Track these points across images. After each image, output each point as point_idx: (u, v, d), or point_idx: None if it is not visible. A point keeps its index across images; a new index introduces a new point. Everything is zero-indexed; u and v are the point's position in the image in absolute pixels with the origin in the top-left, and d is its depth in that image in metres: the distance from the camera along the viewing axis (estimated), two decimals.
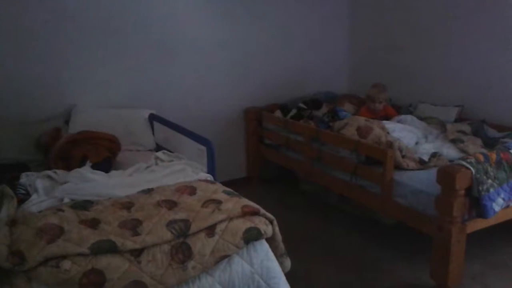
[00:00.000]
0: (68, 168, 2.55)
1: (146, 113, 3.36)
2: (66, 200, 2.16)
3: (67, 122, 3.16)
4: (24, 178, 2.38)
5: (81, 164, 2.58)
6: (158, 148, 3.21)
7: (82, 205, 2.07)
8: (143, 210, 2.03)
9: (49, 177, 2.43)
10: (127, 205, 2.08)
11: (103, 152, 2.71)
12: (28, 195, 2.23)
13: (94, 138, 2.80)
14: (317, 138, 3.29)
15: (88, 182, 2.33)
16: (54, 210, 1.99)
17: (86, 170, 2.46)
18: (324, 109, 3.88)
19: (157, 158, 2.83)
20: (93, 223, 1.90)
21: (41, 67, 3.11)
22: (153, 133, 3.34)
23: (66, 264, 1.65)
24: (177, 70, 3.68)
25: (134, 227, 1.88)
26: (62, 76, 3.20)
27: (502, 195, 2.41)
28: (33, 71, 3.09)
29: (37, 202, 2.14)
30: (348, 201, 3.37)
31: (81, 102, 3.27)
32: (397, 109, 3.77)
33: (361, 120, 3.12)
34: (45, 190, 2.27)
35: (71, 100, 3.25)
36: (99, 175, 2.43)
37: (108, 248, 1.74)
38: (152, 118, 3.35)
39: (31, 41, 3.05)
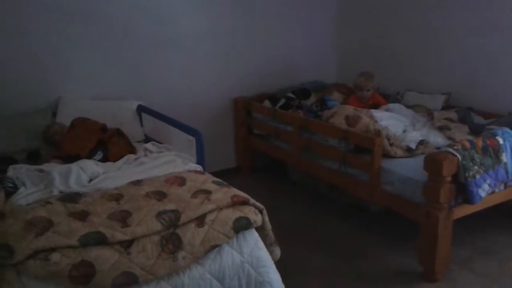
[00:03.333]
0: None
1: (134, 105, 3.34)
2: (56, 192, 2.16)
3: (54, 114, 3.13)
4: (11, 171, 2.37)
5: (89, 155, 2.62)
6: (147, 139, 3.20)
7: (70, 198, 2.06)
8: (132, 202, 2.02)
9: (39, 170, 2.41)
10: (116, 196, 2.08)
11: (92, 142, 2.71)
12: (16, 188, 2.21)
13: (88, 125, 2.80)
14: (306, 128, 3.30)
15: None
16: (42, 203, 1.99)
17: (90, 162, 2.47)
18: (313, 98, 3.89)
19: (146, 149, 2.83)
20: (82, 215, 1.90)
21: (27, 59, 3.07)
22: (141, 125, 3.32)
23: (56, 257, 1.65)
24: (165, 61, 3.65)
25: (123, 218, 1.88)
26: (49, 68, 3.16)
27: (488, 181, 2.45)
28: (19, 64, 3.05)
29: (25, 195, 2.13)
30: (337, 190, 3.40)
31: (68, 94, 3.24)
32: (385, 98, 3.78)
33: (350, 109, 3.13)
34: (33, 183, 2.26)
35: (58, 92, 3.22)
36: (101, 167, 2.45)
37: (97, 240, 1.74)
38: (141, 109, 3.33)
39: (16, 34, 3.00)
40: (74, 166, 2.37)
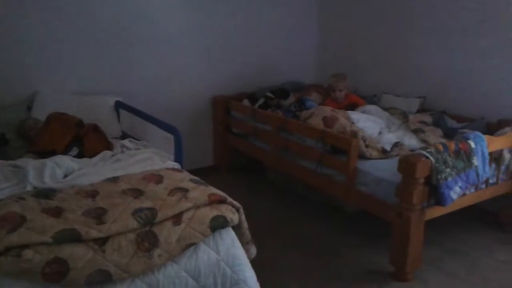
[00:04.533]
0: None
1: (112, 100, 3.30)
2: (29, 188, 2.12)
3: (29, 108, 3.07)
4: None
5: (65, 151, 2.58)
6: (124, 136, 3.17)
7: (44, 194, 2.03)
8: (108, 199, 2.01)
9: (13, 165, 2.37)
10: (92, 193, 2.06)
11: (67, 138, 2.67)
12: None
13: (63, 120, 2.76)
14: (284, 128, 3.32)
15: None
16: (15, 199, 1.95)
17: (66, 157, 2.44)
18: (292, 98, 3.92)
19: (123, 146, 2.81)
20: (57, 212, 1.87)
21: (2, 52, 3.00)
22: (119, 121, 3.29)
23: (28, 254, 1.63)
24: (145, 58, 3.62)
25: (98, 215, 1.86)
26: (24, 61, 3.10)
27: (460, 184, 2.51)
28: None
29: None
30: (313, 190, 3.44)
31: (44, 88, 3.18)
32: (362, 99, 3.85)
33: (327, 110, 3.17)
34: (6, 178, 2.21)
35: (34, 87, 3.16)
36: (77, 163, 2.42)
37: (71, 237, 1.72)
38: (118, 105, 3.29)
39: None
40: (49, 162, 2.33)
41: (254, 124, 3.69)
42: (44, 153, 2.53)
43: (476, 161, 2.59)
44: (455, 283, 2.55)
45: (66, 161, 2.40)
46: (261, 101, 3.88)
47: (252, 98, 3.97)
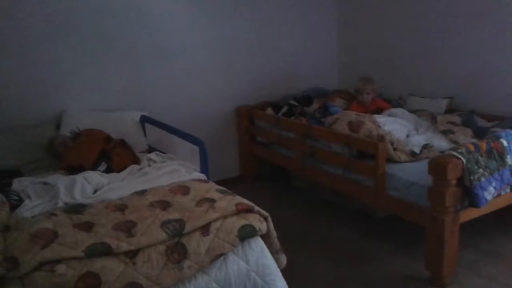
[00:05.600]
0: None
1: (137, 115, 3.35)
2: (60, 204, 2.16)
3: (58, 127, 3.14)
4: (16, 184, 2.37)
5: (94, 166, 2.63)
6: (151, 149, 3.21)
7: (75, 209, 2.07)
8: (136, 212, 2.02)
9: (44, 182, 2.42)
10: (121, 207, 2.08)
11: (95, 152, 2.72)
12: (21, 200, 2.22)
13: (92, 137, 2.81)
14: (309, 134, 3.30)
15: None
16: (47, 215, 1.99)
17: (95, 173, 2.49)
18: (315, 105, 3.90)
19: (149, 159, 2.83)
20: (87, 226, 1.90)
21: (30, 71, 3.09)
22: (144, 135, 3.33)
23: (61, 268, 1.65)
24: (167, 71, 3.67)
25: (128, 228, 1.88)
26: (52, 80, 3.18)
27: (494, 184, 2.43)
28: (22, 76, 3.06)
29: (30, 208, 2.13)
30: (341, 196, 3.39)
31: (71, 106, 3.25)
32: (387, 102, 3.79)
33: (352, 115, 3.14)
34: (38, 195, 2.26)
35: (61, 105, 3.23)
36: (106, 178, 2.46)
37: (102, 250, 1.74)
38: (144, 119, 3.34)
39: (19, 46, 3.03)
40: (79, 178, 2.37)
41: (278, 132, 3.68)
42: (73, 169, 2.58)
43: (510, 160, 2.51)
44: (494, 287, 2.46)
45: (95, 177, 2.44)
46: (284, 109, 3.87)
47: (276, 106, 3.96)
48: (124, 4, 3.38)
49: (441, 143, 2.97)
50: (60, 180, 2.36)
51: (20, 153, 2.87)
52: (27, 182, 2.40)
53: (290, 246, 2.46)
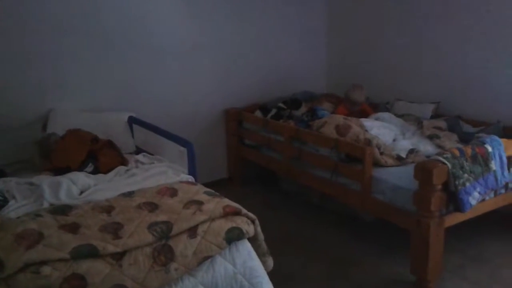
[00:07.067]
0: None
1: (125, 116, 3.33)
2: (46, 205, 2.14)
3: (44, 127, 3.11)
4: (1, 184, 2.34)
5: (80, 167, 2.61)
6: (138, 151, 3.19)
7: (61, 210, 2.04)
8: (124, 213, 2.01)
9: (29, 182, 2.39)
10: (108, 208, 2.07)
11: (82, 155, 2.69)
12: (6, 201, 2.19)
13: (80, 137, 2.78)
14: (297, 137, 3.31)
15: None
16: (32, 216, 1.97)
17: (81, 174, 2.46)
18: (303, 108, 3.92)
19: (137, 161, 2.82)
20: (73, 228, 1.88)
21: (17, 71, 3.05)
22: (132, 136, 3.31)
23: (46, 270, 1.63)
24: (157, 73, 3.65)
25: (115, 230, 1.86)
26: (38, 81, 3.14)
27: (478, 189, 2.46)
28: (9, 76, 3.03)
29: (15, 208, 2.11)
30: (328, 199, 3.41)
31: (58, 106, 3.22)
32: (374, 107, 3.83)
33: (340, 119, 3.16)
34: (23, 196, 2.24)
35: (48, 105, 3.20)
36: (92, 179, 2.43)
37: (88, 252, 1.72)
38: (132, 120, 3.32)
39: (6, 45, 2.99)
40: (64, 179, 2.35)
41: (266, 135, 3.69)
42: (60, 170, 2.55)
43: (494, 165, 2.54)
44: None
45: (81, 178, 2.42)
46: (273, 112, 3.88)
47: (264, 109, 3.97)
48: (114, 5, 3.36)
49: (427, 147, 3.00)
50: (45, 181, 2.34)
51: (5, 152, 2.83)
52: (12, 183, 2.37)
53: (277, 249, 2.47)
